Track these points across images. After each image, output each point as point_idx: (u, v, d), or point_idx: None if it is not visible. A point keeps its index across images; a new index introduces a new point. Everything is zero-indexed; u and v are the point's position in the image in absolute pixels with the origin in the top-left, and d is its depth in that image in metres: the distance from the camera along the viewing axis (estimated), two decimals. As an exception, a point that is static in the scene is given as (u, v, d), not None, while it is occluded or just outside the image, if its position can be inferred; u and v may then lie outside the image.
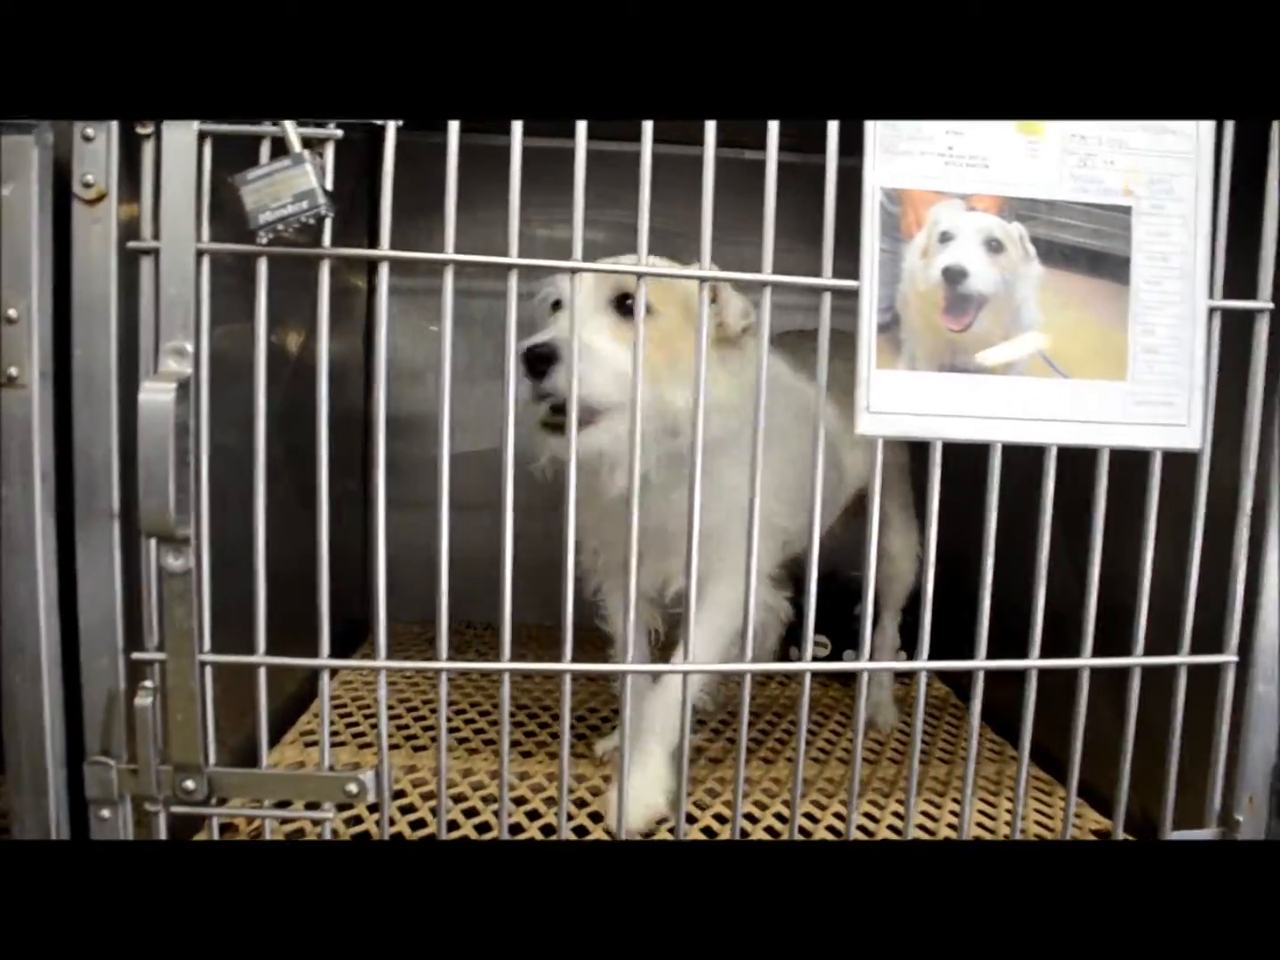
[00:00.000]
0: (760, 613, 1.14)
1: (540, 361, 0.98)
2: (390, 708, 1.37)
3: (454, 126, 0.80)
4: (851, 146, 0.82)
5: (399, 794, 1.12)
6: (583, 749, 1.28)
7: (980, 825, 1.12)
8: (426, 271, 0.88)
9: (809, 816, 1.12)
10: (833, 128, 0.80)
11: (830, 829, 1.08)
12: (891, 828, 1.09)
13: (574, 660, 0.86)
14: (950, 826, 1.10)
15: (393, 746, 1.26)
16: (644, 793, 1.05)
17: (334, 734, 1.27)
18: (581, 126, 0.81)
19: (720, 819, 1.09)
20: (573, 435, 0.85)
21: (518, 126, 0.80)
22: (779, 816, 1.11)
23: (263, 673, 0.86)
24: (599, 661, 1.16)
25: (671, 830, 1.04)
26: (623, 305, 1.03)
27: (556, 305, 1.09)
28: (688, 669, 0.92)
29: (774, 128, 0.81)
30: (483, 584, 1.01)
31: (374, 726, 1.31)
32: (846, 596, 1.55)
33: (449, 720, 0.88)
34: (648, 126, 0.80)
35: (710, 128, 0.81)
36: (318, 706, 1.38)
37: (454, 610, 0.87)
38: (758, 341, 0.85)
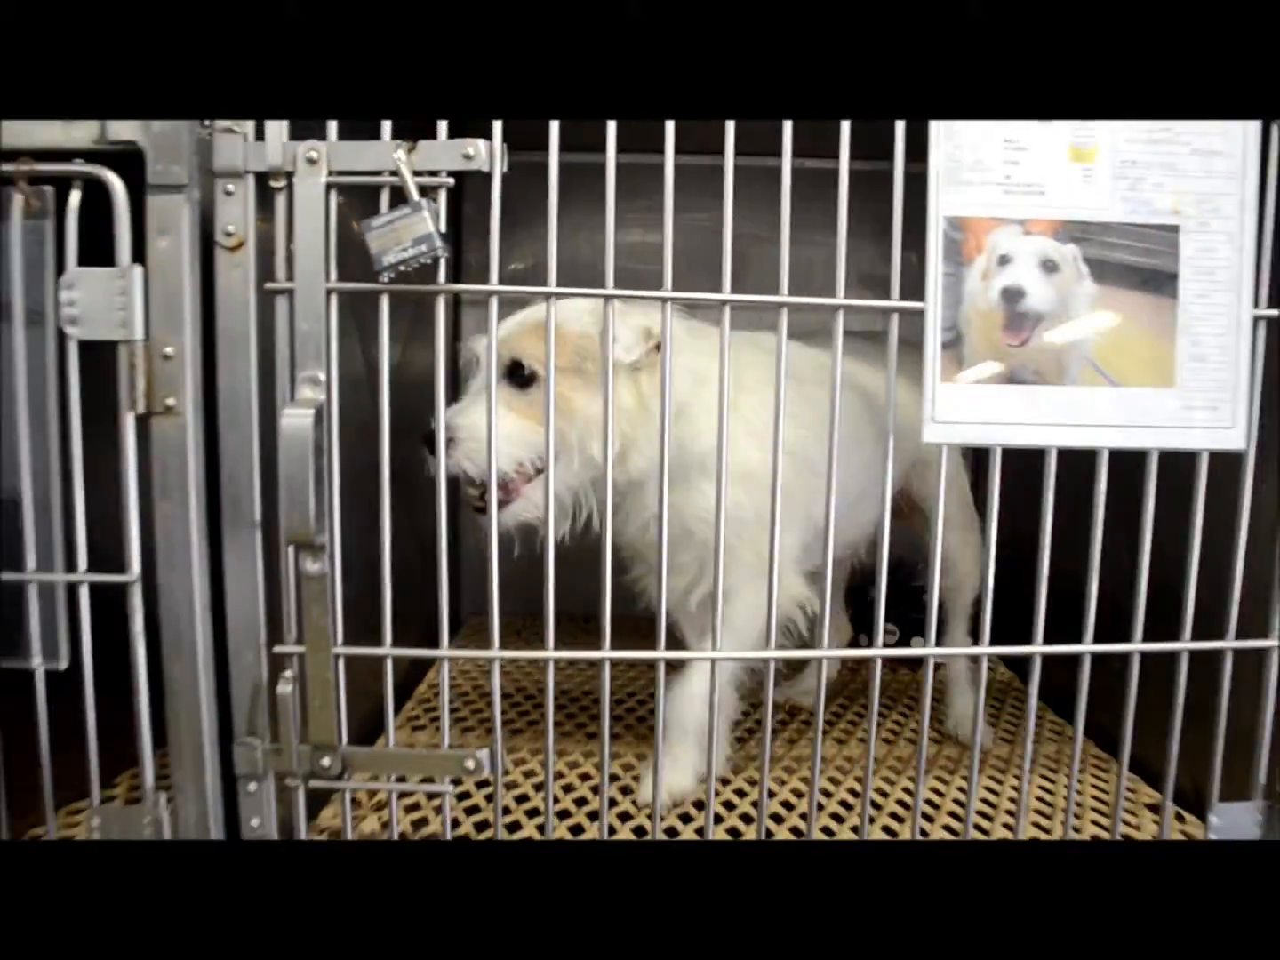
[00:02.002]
0: (787, 606, 1.15)
1: (431, 445, 1.07)
2: (484, 694, 1.48)
3: (496, 184, 0.89)
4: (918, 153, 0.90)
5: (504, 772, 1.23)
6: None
7: (1041, 800, 1.19)
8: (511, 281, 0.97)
9: (880, 792, 1.21)
10: (899, 172, 0.87)
11: (900, 803, 1.17)
12: (957, 801, 1.17)
13: (613, 649, 0.96)
14: (1011, 800, 1.18)
15: (488, 729, 1.36)
16: (671, 779, 1.14)
17: (434, 718, 1.38)
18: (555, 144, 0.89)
19: (786, 801, 1.18)
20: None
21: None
22: (852, 791, 1.20)
23: (389, 663, 0.97)
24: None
25: (700, 806, 1.13)
26: (515, 374, 1.11)
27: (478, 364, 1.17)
28: (715, 656, 0.99)
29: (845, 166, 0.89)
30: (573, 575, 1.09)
31: (474, 713, 1.44)
32: (912, 588, 1.61)
33: (538, 705, 0.97)
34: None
35: (728, 136, 0.88)
36: (422, 693, 1.51)
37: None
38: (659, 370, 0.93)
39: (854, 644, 1.56)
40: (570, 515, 1.05)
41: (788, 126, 0.89)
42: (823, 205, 0.94)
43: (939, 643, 1.53)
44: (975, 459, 1.83)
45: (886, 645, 1.71)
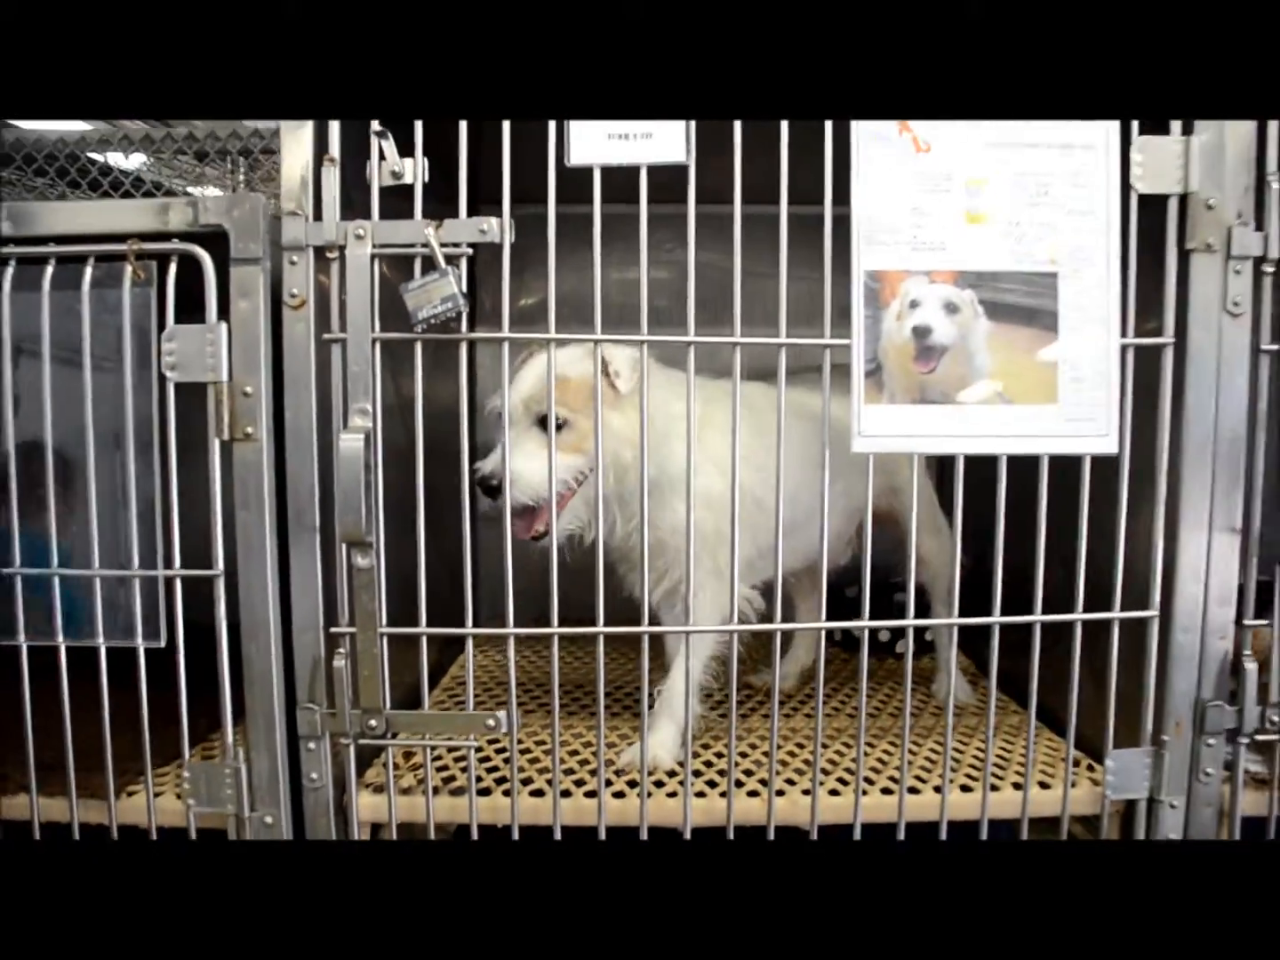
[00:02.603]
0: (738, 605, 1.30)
1: (490, 491, 1.31)
2: (501, 682, 1.71)
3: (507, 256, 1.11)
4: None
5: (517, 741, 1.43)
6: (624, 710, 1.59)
7: (976, 759, 1.39)
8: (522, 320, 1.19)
9: (838, 753, 1.42)
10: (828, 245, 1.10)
11: (852, 761, 1.36)
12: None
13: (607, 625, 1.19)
14: (953, 760, 1.37)
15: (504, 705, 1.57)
16: (654, 749, 1.34)
17: (458, 701, 1.59)
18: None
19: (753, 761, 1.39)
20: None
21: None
22: (831, 761, 1.39)
23: (424, 640, 1.18)
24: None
25: (679, 780, 1.33)
26: (543, 422, 1.29)
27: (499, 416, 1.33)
28: (690, 630, 1.25)
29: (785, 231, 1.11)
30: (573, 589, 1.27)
31: (493, 697, 1.65)
32: (888, 592, 1.79)
33: (549, 691, 1.19)
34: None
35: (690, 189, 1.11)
36: (445, 683, 1.72)
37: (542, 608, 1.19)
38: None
39: (828, 636, 1.76)
40: (599, 521, 1.21)
41: (737, 178, 1.11)
42: (804, 247, 1.13)
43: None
44: (940, 473, 2.06)
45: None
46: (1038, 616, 1.20)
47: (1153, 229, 1.16)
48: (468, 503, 1.18)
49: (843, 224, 1.13)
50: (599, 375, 1.16)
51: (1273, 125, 1.15)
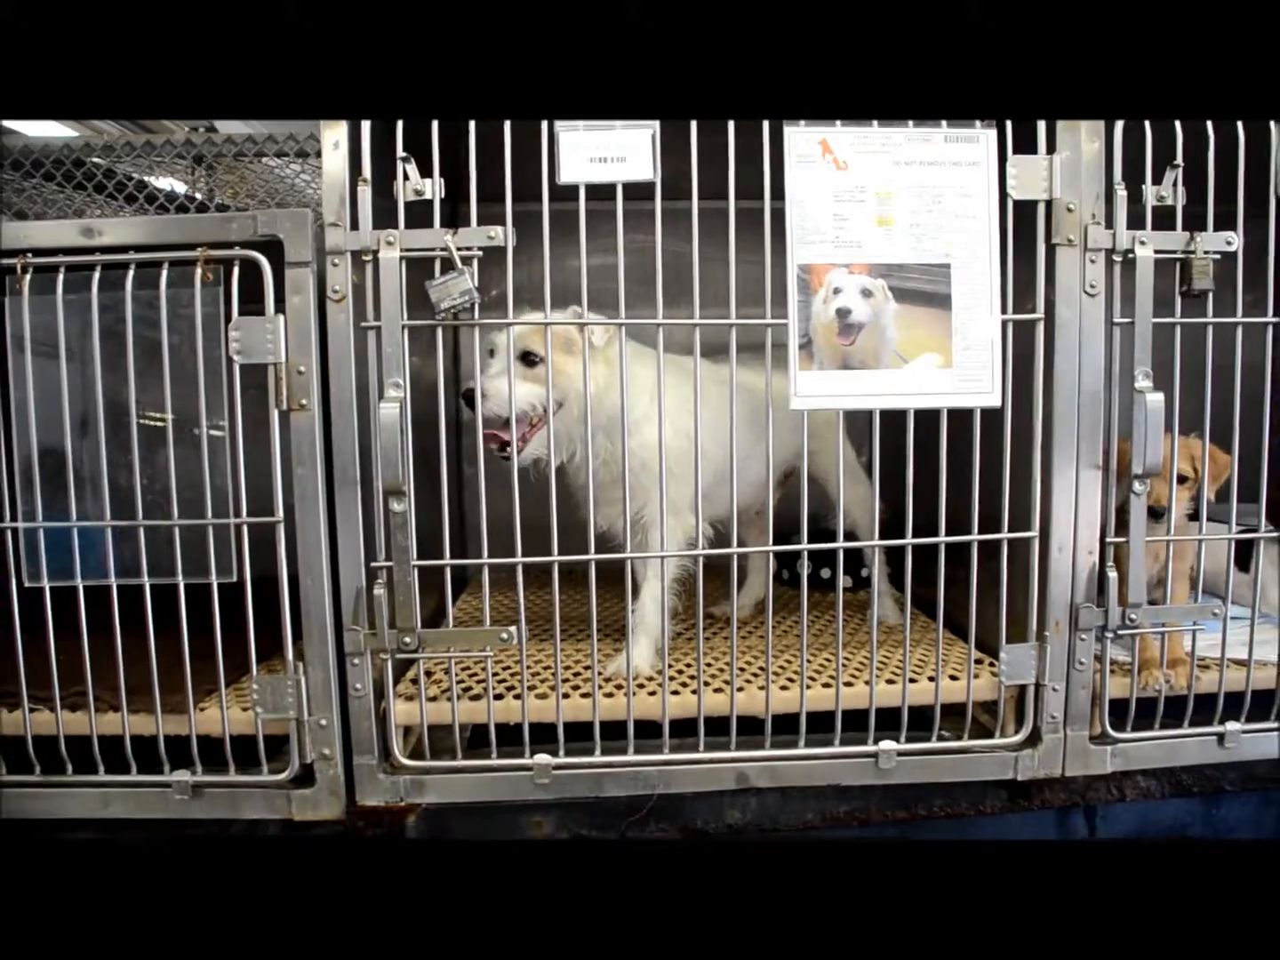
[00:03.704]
0: (689, 532, 1.62)
1: (470, 403, 1.56)
2: (496, 620, 1.97)
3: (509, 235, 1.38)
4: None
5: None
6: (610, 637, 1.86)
7: (901, 666, 1.68)
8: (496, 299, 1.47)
9: (786, 661, 1.71)
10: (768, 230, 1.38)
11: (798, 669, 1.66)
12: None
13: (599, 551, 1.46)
14: (879, 666, 1.67)
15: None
16: (635, 660, 1.62)
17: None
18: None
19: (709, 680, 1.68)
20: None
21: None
22: (781, 667, 1.68)
23: (448, 570, 1.45)
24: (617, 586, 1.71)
25: (657, 684, 1.62)
26: (525, 358, 1.60)
27: (491, 353, 1.64)
28: (662, 555, 1.53)
29: (733, 222, 1.39)
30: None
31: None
32: (821, 530, 2.09)
33: (547, 629, 1.47)
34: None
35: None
36: (456, 615, 1.98)
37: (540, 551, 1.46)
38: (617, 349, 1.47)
39: (777, 575, 2.06)
40: (567, 451, 1.55)
41: (694, 183, 1.38)
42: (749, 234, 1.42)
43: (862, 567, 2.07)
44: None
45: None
46: (942, 538, 1.49)
47: (1025, 228, 1.46)
48: (482, 460, 1.46)
49: (782, 216, 1.41)
50: (586, 341, 1.48)
51: (1118, 145, 1.44)
